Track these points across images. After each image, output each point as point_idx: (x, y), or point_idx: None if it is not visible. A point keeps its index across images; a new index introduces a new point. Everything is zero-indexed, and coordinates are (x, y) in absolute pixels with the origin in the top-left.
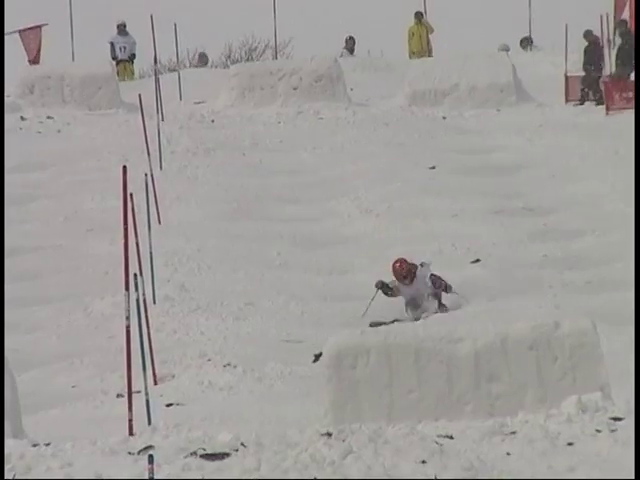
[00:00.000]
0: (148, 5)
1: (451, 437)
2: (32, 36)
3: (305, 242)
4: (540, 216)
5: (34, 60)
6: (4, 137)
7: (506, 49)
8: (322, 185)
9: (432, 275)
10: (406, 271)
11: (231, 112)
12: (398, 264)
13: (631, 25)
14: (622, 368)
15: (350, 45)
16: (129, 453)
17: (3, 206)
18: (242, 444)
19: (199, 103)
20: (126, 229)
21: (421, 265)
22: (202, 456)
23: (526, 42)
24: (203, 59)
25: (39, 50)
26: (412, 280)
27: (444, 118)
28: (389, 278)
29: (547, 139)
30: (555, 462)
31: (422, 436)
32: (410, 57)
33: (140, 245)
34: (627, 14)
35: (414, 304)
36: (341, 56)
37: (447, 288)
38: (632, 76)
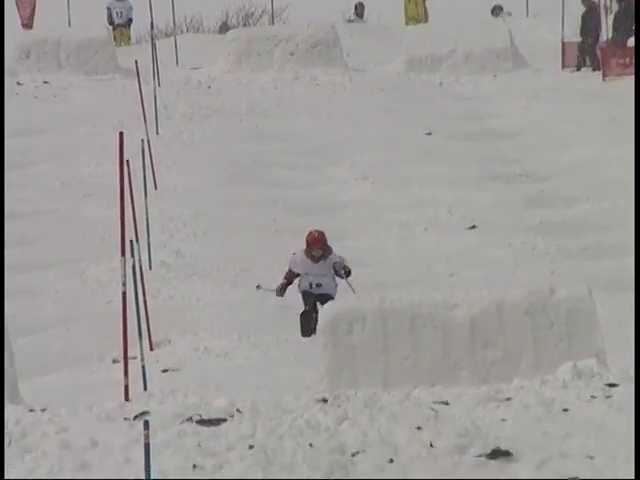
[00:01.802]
0: None
1: (446, 403)
2: (27, 0)
3: (301, 208)
4: (536, 182)
5: (27, 24)
6: (4, 138)
7: (499, 10)
8: (318, 151)
9: (340, 262)
10: (323, 245)
11: (228, 78)
12: (318, 234)
13: None
14: (618, 334)
15: (360, 11)
16: (125, 419)
17: (3, 206)
18: (238, 410)
19: (196, 69)
20: (122, 195)
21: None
22: (198, 422)
23: (497, 10)
24: (223, 28)
25: (33, 14)
26: (322, 258)
27: (441, 84)
28: (380, 246)
29: (543, 105)
30: (550, 428)
31: (417, 402)
32: (407, 23)
33: (136, 211)
34: None
35: (317, 284)
36: (350, 21)
37: (346, 274)
38: (629, 42)
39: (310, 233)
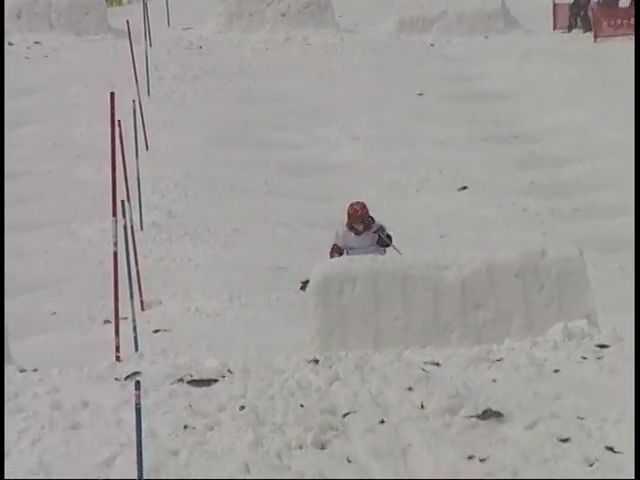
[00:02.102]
0: None
1: (437, 364)
2: None
3: (293, 169)
4: (527, 143)
5: None
6: (4, 138)
7: None
8: (310, 112)
9: (381, 230)
10: (365, 217)
11: (219, 38)
12: (359, 207)
13: None
14: (608, 295)
15: None
16: (116, 379)
17: (3, 205)
18: (229, 370)
19: (187, 29)
20: (114, 155)
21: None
22: (189, 382)
23: None
24: None
25: None
26: (365, 229)
27: (432, 45)
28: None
29: (535, 67)
30: (541, 389)
31: (408, 363)
32: None
33: (127, 171)
34: None
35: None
36: None
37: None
38: (620, 3)
39: (351, 205)
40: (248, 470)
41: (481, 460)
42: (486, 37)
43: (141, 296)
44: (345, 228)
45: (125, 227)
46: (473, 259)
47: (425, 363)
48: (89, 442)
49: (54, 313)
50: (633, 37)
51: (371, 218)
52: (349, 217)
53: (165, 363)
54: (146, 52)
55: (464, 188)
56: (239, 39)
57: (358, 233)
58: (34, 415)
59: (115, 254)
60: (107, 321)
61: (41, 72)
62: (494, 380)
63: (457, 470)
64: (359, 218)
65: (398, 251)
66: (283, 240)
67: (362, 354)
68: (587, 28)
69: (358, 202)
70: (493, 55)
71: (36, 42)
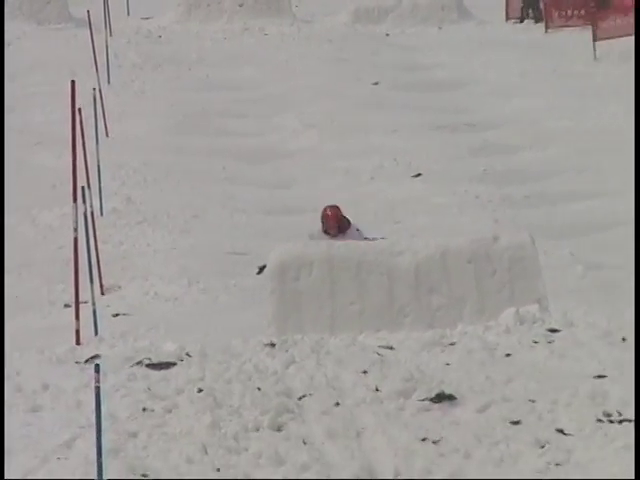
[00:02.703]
0: None
1: (391, 348)
2: None
3: (250, 156)
4: (480, 132)
5: None
6: (4, 139)
7: None
8: (267, 100)
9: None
10: (337, 221)
11: (177, 28)
12: (331, 212)
13: None
14: (559, 281)
15: None
16: (76, 362)
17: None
18: (187, 354)
19: (146, 19)
20: (74, 142)
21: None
22: (147, 365)
23: None
24: None
25: None
26: (341, 232)
27: (387, 35)
28: (331, 194)
29: (487, 56)
30: (493, 372)
31: (363, 347)
32: None
33: (88, 158)
34: None
35: None
36: None
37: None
38: None
39: (324, 210)
40: (206, 452)
41: (434, 442)
42: (440, 27)
43: (101, 281)
44: (321, 233)
45: (85, 213)
46: (427, 245)
47: (379, 347)
48: (49, 424)
49: (16, 297)
50: (583, 27)
51: (347, 220)
52: (323, 222)
53: (124, 346)
54: (106, 41)
55: (418, 175)
56: (197, 29)
57: (333, 237)
58: None
59: (75, 239)
60: (67, 305)
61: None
62: (447, 364)
63: (410, 452)
64: (332, 221)
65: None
66: (241, 226)
67: (318, 338)
68: (538, 19)
69: (330, 206)
70: (447, 45)
71: None
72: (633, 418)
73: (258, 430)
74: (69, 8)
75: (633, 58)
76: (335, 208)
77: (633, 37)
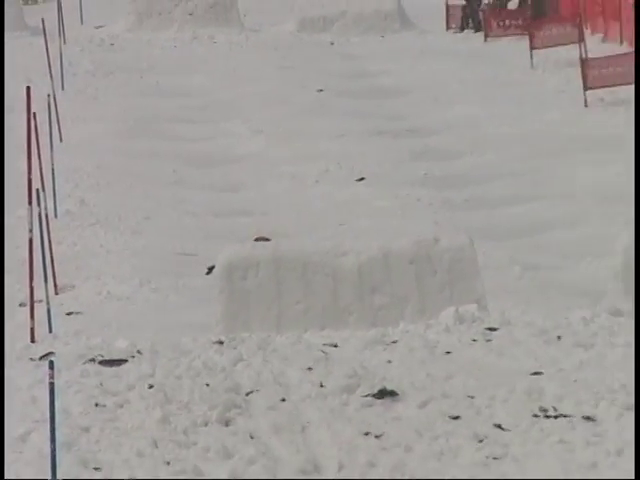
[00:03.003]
0: None
1: (336, 345)
2: None
3: (199, 161)
4: (421, 137)
5: None
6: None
7: None
8: (216, 106)
9: None
10: None
11: (129, 36)
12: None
13: None
14: (497, 281)
15: None
16: (31, 359)
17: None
18: (138, 351)
19: (99, 27)
20: (29, 147)
21: None
22: (100, 362)
23: None
24: None
25: None
26: None
27: (332, 44)
28: (276, 197)
29: (429, 64)
30: (433, 369)
31: (308, 344)
32: None
33: (42, 162)
34: None
35: None
36: None
37: None
38: (509, 5)
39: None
40: (156, 445)
41: (376, 436)
42: (382, 36)
43: (55, 280)
44: None
45: (40, 215)
46: (370, 246)
47: (324, 345)
48: (5, 419)
49: None
50: (520, 37)
51: None
52: None
53: (77, 344)
54: (60, 49)
55: (362, 179)
56: (149, 37)
57: None
58: None
59: (30, 240)
60: (22, 304)
61: None
62: (389, 361)
63: (354, 446)
64: None
65: None
66: (190, 228)
67: (265, 336)
68: (478, 28)
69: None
70: (390, 54)
71: None
72: (568, 413)
73: (207, 425)
74: (24, 17)
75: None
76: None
77: (568, 47)
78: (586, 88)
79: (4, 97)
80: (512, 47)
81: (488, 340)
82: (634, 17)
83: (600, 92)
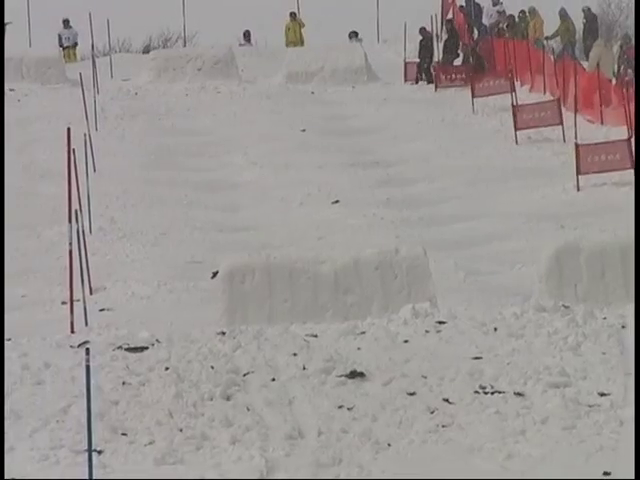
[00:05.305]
0: (86, 5)
1: (316, 336)
2: None
3: (206, 187)
4: (384, 168)
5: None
6: (4, 144)
7: (354, 35)
8: (219, 143)
9: None
10: None
11: (150, 87)
12: None
13: (455, 22)
14: (446, 284)
15: (247, 37)
16: (70, 346)
17: (3, 210)
18: (157, 340)
19: (126, 80)
20: (69, 175)
21: None
22: (126, 349)
23: (353, 35)
24: (147, 49)
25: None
26: None
27: (312, 93)
28: (269, 216)
29: (390, 110)
30: (394, 355)
31: (294, 335)
32: (287, 46)
33: (80, 188)
34: (451, 15)
35: None
36: (242, 45)
37: None
38: (455, 62)
39: None
40: (171, 416)
41: (349, 409)
42: (353, 87)
43: (90, 283)
44: None
45: (78, 231)
46: (343, 256)
47: (306, 335)
48: (50, 395)
49: (23, 296)
50: (464, 87)
51: None
52: None
53: (108, 334)
54: (94, 97)
55: (336, 202)
56: (165, 88)
57: None
58: (8, 374)
59: (70, 252)
60: (64, 302)
61: (14, 112)
62: (359, 348)
63: (330, 416)
64: None
65: None
66: (199, 241)
67: (259, 328)
68: (430, 81)
69: None
70: (359, 101)
71: (11, 89)
72: (502, 390)
73: (212, 399)
74: (66, 72)
75: (509, 111)
76: None
77: (502, 96)
78: (517, 129)
79: (4, 103)
80: (457, 95)
81: (438, 331)
82: (635, 49)
83: (528, 132)
